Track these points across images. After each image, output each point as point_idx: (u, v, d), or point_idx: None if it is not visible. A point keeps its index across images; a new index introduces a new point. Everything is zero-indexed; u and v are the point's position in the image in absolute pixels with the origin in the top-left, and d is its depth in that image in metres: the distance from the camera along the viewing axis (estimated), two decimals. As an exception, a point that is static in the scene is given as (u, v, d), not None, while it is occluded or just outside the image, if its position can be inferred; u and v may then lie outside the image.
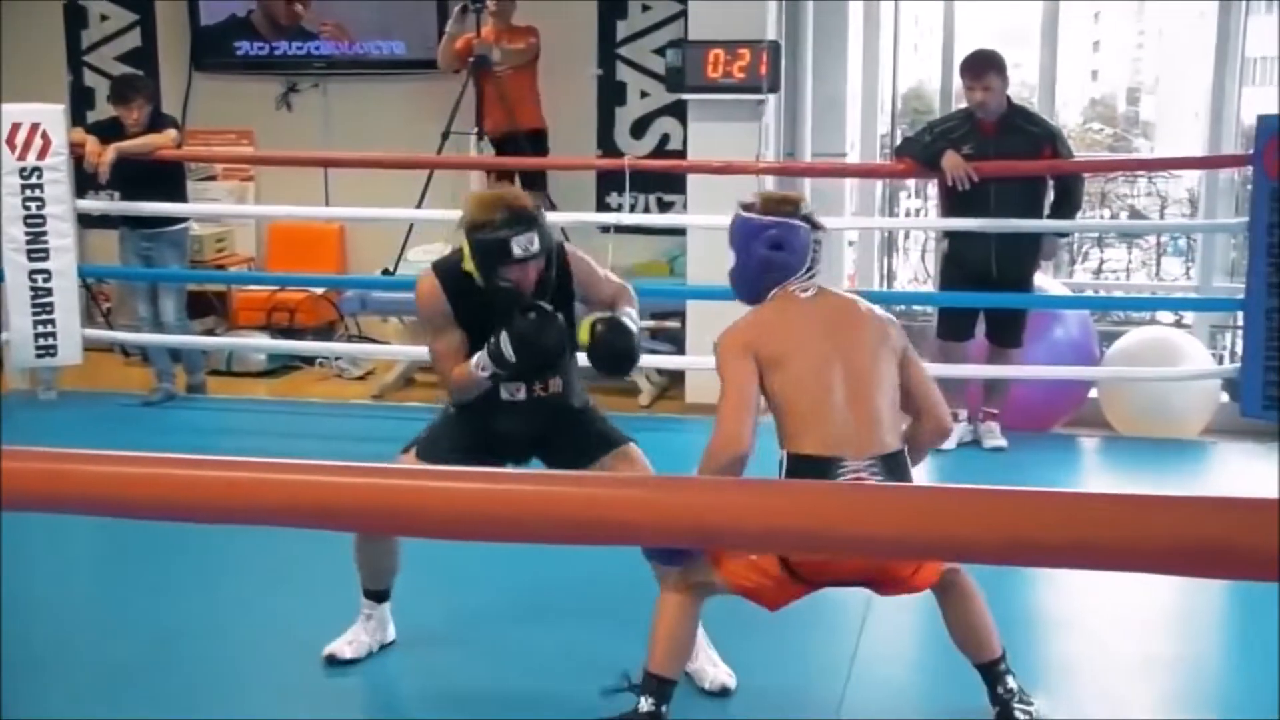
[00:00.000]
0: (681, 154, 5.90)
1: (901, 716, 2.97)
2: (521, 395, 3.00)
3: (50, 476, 1.31)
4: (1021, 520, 1.08)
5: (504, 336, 2.85)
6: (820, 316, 2.71)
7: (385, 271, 6.21)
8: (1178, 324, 6.48)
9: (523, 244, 2.83)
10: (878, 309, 2.81)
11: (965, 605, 2.76)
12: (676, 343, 5.88)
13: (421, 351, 6.22)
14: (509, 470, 1.27)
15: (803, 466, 2.58)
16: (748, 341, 2.67)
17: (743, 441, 2.57)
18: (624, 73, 6.66)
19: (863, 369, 2.65)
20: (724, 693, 2.98)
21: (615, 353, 2.92)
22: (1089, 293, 6.97)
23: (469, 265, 2.89)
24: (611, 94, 6.68)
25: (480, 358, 2.90)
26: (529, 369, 2.91)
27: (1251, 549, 1.00)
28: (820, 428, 2.60)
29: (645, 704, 2.70)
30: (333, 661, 3.16)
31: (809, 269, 2.76)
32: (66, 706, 2.95)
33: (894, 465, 2.62)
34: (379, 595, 3.25)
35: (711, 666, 3.05)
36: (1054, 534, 1.07)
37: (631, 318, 2.97)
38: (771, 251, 2.74)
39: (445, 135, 6.03)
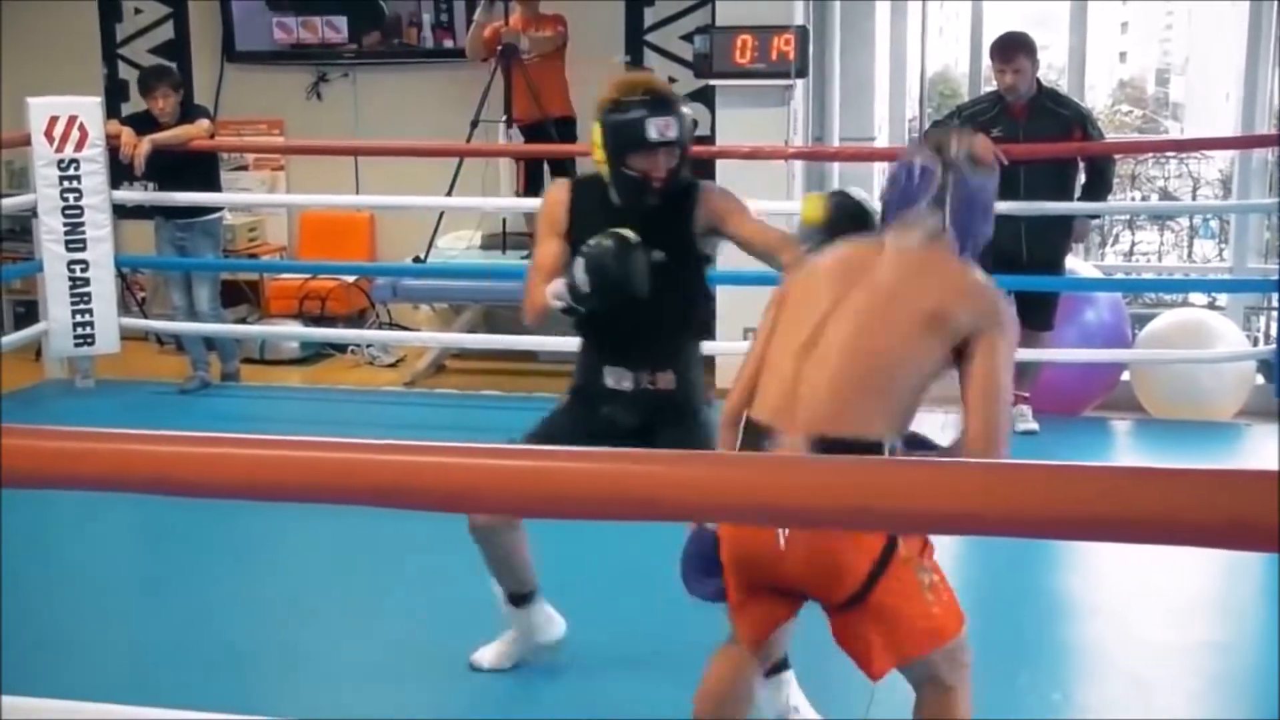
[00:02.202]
0: (710, 140, 5.90)
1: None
2: (628, 385, 2.75)
3: (67, 455, 1.34)
4: (1020, 493, 1.08)
5: (577, 259, 2.55)
6: (864, 267, 2.20)
7: (416, 259, 6.24)
8: (1211, 306, 6.44)
9: (659, 126, 2.59)
10: (979, 287, 2.17)
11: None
12: (706, 328, 5.88)
13: (452, 338, 6.30)
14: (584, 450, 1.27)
15: (746, 433, 2.20)
16: (781, 289, 2.30)
17: (730, 401, 2.25)
18: (652, 59, 6.66)
19: (854, 334, 2.13)
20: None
21: (849, 213, 2.53)
22: (1120, 275, 6.93)
23: (598, 155, 2.65)
24: (639, 80, 6.69)
25: (556, 284, 2.60)
26: (602, 299, 2.56)
27: (1252, 521, 1.00)
28: (766, 387, 2.19)
29: None
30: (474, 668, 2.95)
31: (909, 208, 2.22)
32: (99, 689, 2.99)
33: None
34: (521, 599, 2.92)
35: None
36: (1050, 507, 1.07)
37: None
38: (888, 185, 2.28)
39: (474, 124, 6.05)
